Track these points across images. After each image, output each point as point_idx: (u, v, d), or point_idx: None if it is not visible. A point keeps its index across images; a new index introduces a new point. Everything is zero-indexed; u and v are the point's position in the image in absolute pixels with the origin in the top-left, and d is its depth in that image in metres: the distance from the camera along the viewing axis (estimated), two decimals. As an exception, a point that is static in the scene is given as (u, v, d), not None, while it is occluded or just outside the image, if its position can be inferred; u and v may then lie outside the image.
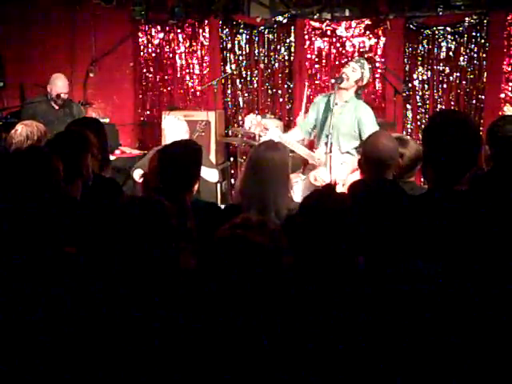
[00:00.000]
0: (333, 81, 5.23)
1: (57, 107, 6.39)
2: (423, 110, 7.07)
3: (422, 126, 7.00)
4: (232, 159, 7.54)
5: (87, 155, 3.24)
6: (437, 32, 6.90)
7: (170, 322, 2.05)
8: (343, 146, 5.19)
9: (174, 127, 5.42)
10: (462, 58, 6.88)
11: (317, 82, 7.24)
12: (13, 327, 2.19)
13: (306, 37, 7.20)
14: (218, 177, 5.52)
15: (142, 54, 7.75)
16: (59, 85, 6.36)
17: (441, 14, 6.84)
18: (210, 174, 5.33)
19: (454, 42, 6.88)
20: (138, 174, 5.33)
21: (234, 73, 7.49)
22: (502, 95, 6.69)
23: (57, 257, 2.42)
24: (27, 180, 2.64)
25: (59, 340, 2.11)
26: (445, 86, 6.97)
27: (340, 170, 5.01)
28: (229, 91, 7.61)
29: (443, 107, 6.95)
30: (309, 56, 7.23)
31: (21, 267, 2.33)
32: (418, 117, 7.08)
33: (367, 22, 7.04)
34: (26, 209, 2.55)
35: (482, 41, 6.76)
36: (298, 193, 5.07)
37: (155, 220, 2.22)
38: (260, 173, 3.25)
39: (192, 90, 7.67)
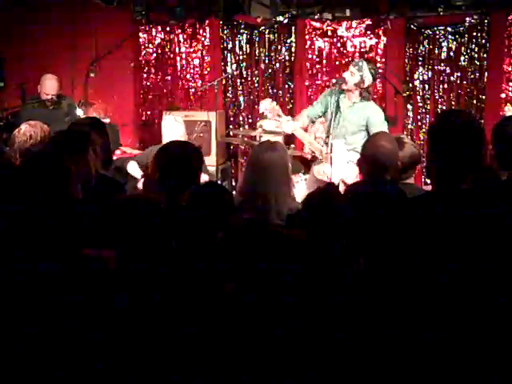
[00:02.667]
0: (334, 81, 5.24)
1: (50, 107, 6.39)
2: (424, 111, 7.07)
3: (423, 126, 7.03)
4: (233, 159, 7.54)
5: (87, 154, 3.21)
6: (437, 32, 6.90)
7: (166, 321, 2.05)
8: (350, 142, 5.21)
9: (172, 128, 5.41)
10: (462, 58, 6.88)
11: (317, 82, 7.24)
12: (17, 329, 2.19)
13: (307, 37, 7.20)
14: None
15: (142, 54, 7.75)
16: (47, 86, 6.37)
17: (441, 14, 6.85)
18: (202, 177, 5.30)
19: (454, 42, 6.88)
20: (132, 166, 5.29)
21: (235, 73, 7.48)
22: (503, 95, 6.70)
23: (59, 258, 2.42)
24: (41, 184, 2.62)
25: (63, 340, 2.11)
26: (445, 86, 6.98)
27: (347, 168, 5.03)
28: (229, 91, 7.61)
29: (444, 107, 6.96)
30: (309, 56, 7.23)
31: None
32: (419, 117, 7.09)
33: (368, 22, 7.05)
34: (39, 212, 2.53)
35: (483, 41, 6.77)
36: (300, 192, 5.08)
37: (149, 219, 2.23)
38: (260, 173, 3.26)
39: (192, 90, 7.67)
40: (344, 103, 5.19)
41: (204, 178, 5.33)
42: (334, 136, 5.04)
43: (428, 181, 5.38)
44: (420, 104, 7.08)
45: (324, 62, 7.24)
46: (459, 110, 6.20)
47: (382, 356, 2.05)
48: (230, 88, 7.61)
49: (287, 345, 1.83)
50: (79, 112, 6.71)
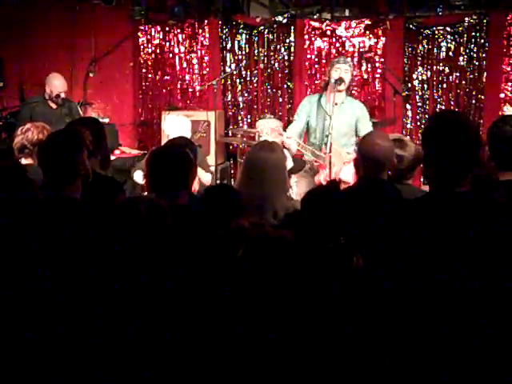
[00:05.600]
0: (333, 81, 5.21)
1: (54, 107, 6.39)
2: (423, 110, 7.08)
3: (422, 126, 7.01)
4: (232, 159, 7.54)
5: (82, 153, 3.21)
6: (436, 32, 6.91)
7: (167, 319, 2.06)
8: (345, 144, 5.22)
9: (177, 125, 5.37)
10: (461, 58, 6.89)
11: (317, 81, 7.24)
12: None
13: (306, 37, 7.20)
14: (211, 181, 5.46)
15: (141, 53, 7.74)
16: (57, 84, 6.36)
17: (440, 14, 6.86)
18: (204, 176, 5.29)
19: (453, 42, 6.89)
20: (139, 176, 5.30)
21: (234, 73, 7.49)
22: (502, 95, 6.71)
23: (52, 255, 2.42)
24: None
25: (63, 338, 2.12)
26: (444, 85, 6.98)
27: (346, 169, 5.02)
28: (229, 91, 7.61)
29: (443, 107, 6.96)
30: (309, 56, 7.24)
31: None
32: (418, 117, 7.10)
33: (367, 22, 7.05)
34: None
35: (482, 41, 6.78)
36: (299, 192, 5.08)
37: (151, 219, 2.23)
38: (256, 173, 3.26)
39: (192, 90, 7.67)
40: (329, 105, 5.14)
41: (207, 177, 5.34)
42: (328, 139, 5.01)
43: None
44: (419, 104, 7.08)
45: (323, 61, 7.23)
46: (453, 110, 6.19)
47: (380, 355, 2.05)
48: (229, 88, 7.62)
49: (282, 346, 1.83)
50: (79, 113, 6.72)
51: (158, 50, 7.72)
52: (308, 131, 5.43)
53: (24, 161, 3.86)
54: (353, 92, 5.81)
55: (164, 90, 7.77)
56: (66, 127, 3.84)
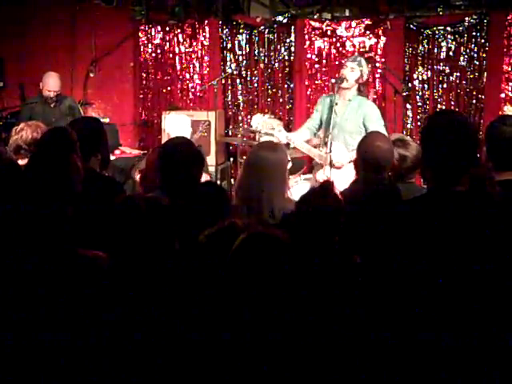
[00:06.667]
0: (333, 81, 5.23)
1: (52, 105, 6.41)
2: (423, 110, 7.08)
3: (422, 126, 7.01)
4: (232, 159, 7.54)
5: (72, 154, 3.21)
6: (437, 32, 6.91)
7: (168, 320, 2.06)
8: (350, 144, 5.19)
9: (178, 123, 5.36)
10: (462, 58, 6.89)
11: (317, 81, 7.24)
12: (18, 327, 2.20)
13: (306, 37, 7.20)
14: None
15: (142, 53, 7.75)
16: (50, 83, 6.40)
17: (441, 13, 6.86)
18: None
19: (454, 42, 6.89)
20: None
21: (234, 73, 7.49)
22: (502, 95, 6.70)
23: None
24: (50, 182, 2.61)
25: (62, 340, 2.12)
26: (445, 85, 6.98)
27: (350, 168, 5.00)
28: (229, 91, 7.62)
29: (443, 107, 6.96)
30: (309, 56, 7.24)
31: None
32: (418, 117, 7.09)
33: (367, 21, 7.05)
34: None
35: (482, 41, 6.77)
36: (299, 193, 5.05)
37: (153, 218, 2.23)
38: (255, 172, 3.26)
39: (192, 89, 7.68)
40: (339, 103, 5.16)
41: (205, 177, 5.32)
42: (333, 138, 5.01)
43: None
44: (419, 104, 7.08)
45: (323, 61, 7.24)
46: (451, 110, 6.18)
47: (378, 355, 2.05)
48: (229, 88, 7.62)
49: (278, 345, 1.83)
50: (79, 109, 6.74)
51: (158, 50, 7.73)
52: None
53: (21, 162, 3.84)
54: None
55: (164, 90, 7.78)
56: (54, 127, 3.84)
